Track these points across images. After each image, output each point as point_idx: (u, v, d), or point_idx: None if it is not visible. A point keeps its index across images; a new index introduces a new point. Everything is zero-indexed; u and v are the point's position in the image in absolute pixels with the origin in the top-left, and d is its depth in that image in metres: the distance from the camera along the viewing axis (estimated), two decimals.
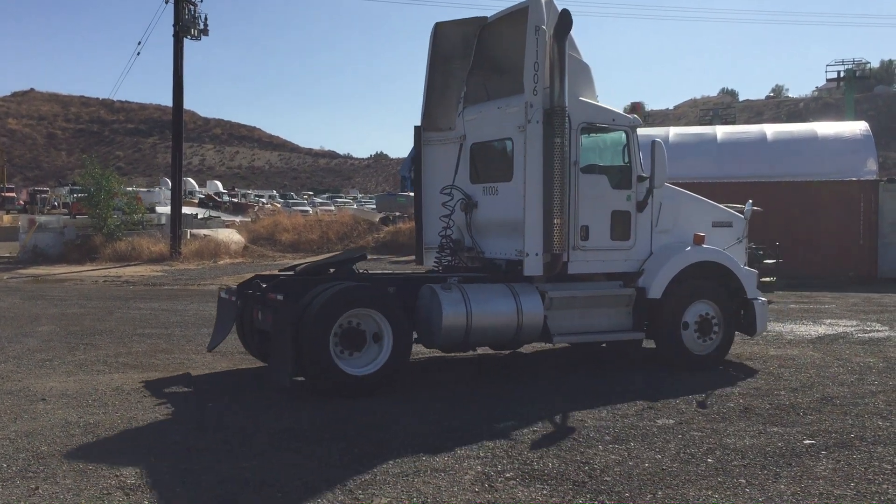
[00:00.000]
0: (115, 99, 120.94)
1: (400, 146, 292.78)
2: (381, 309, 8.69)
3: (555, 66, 9.40)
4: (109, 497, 5.59)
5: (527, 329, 9.38)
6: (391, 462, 6.37)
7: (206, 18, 34.47)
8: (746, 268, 10.86)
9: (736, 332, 10.65)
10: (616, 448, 6.77)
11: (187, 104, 34.83)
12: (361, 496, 5.65)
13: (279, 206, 57.39)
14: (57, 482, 5.88)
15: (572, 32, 9.69)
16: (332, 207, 59.61)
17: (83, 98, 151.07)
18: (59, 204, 59.59)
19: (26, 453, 6.56)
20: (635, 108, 78.43)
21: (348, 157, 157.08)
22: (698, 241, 10.38)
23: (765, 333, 11.85)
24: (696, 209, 10.92)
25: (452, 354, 10.53)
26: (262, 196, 79.68)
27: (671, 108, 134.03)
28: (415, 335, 9.17)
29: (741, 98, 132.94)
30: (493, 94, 10.64)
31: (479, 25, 10.74)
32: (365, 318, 8.62)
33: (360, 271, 9.74)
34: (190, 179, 74.54)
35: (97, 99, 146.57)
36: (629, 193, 10.17)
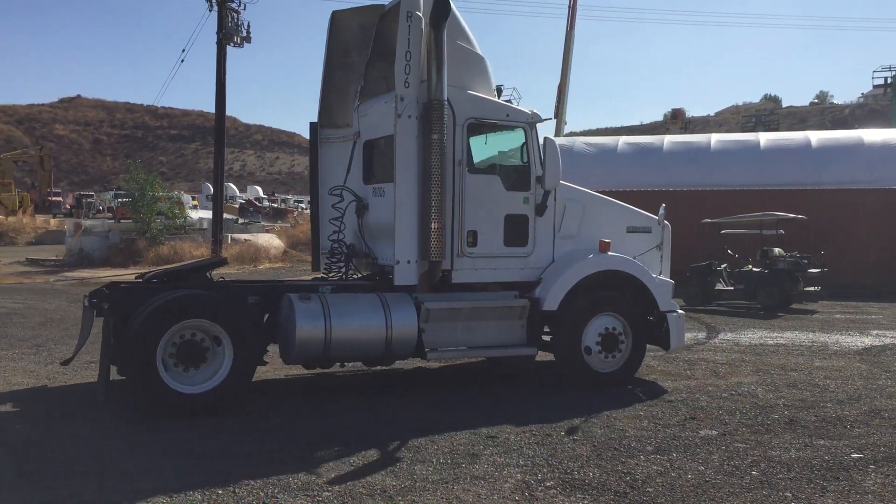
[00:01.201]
0: (159, 105, 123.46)
1: None
2: (218, 320, 7.91)
3: (432, 57, 8.65)
4: None
5: (398, 343, 8.62)
6: (430, 468, 6.37)
7: (248, 26, 34.90)
8: (661, 278, 10.00)
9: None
10: (658, 459, 6.69)
11: (229, 110, 35.25)
12: (401, 502, 5.65)
13: None
14: None
15: (464, 22, 9.16)
16: None
17: (128, 104, 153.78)
18: (103, 208, 60.76)
19: None
20: (676, 114, 77.64)
21: None
22: (604, 248, 9.56)
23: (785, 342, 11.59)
24: (609, 213, 10.14)
25: (487, 362, 10.50)
26: (301, 201, 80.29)
27: (712, 114, 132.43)
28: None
29: (784, 104, 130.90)
30: (392, 88, 9.31)
31: (377, 14, 9.79)
32: (205, 330, 7.91)
33: (219, 279, 9.04)
34: (231, 185, 75.43)
35: (142, 105, 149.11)
36: (526, 196, 9.36)
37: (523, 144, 9.40)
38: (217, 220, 31.16)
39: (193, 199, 58.23)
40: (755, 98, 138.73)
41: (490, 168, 9.70)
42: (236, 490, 5.82)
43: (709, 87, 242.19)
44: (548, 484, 6.06)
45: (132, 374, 7.67)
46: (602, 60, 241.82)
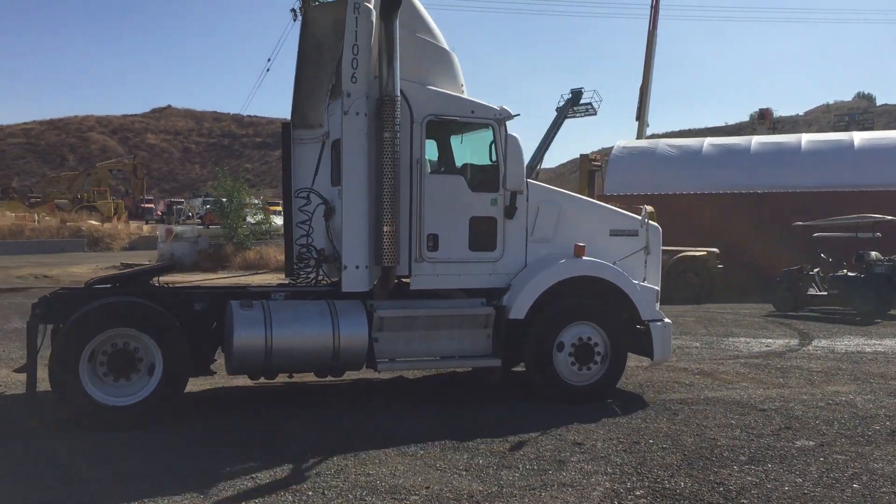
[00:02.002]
0: (244, 114, 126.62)
1: None
2: (143, 329, 7.64)
3: (383, 51, 8.23)
4: None
5: (346, 354, 8.19)
6: (517, 474, 6.33)
7: None
8: (645, 284, 9.33)
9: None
10: (752, 469, 6.47)
11: None
12: None
13: None
14: None
15: (426, 14, 8.76)
16: None
17: (215, 113, 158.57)
18: (193, 214, 62.74)
19: None
20: (763, 114, 75.46)
21: None
22: (579, 252, 8.93)
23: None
24: (590, 216, 9.56)
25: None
26: None
27: (801, 113, 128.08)
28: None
29: (879, 102, 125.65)
30: None
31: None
32: (136, 339, 7.68)
33: (165, 284, 8.77)
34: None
35: (228, 114, 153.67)
36: (495, 197, 8.79)
37: (491, 143, 8.84)
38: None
39: (277, 205, 59.51)
40: (847, 96, 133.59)
41: (454, 168, 9.22)
42: None
43: (797, 85, 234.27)
44: (637, 493, 5.94)
45: (54, 384, 7.48)
46: (685, 61, 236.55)
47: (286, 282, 9.60)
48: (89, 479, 6.21)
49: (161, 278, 8.92)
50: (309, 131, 9.46)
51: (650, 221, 9.76)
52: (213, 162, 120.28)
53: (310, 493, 5.86)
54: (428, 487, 6.01)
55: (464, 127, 9.05)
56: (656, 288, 9.44)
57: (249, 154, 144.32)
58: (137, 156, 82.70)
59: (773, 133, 59.08)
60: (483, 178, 8.84)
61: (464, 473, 6.37)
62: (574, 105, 44.56)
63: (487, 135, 8.86)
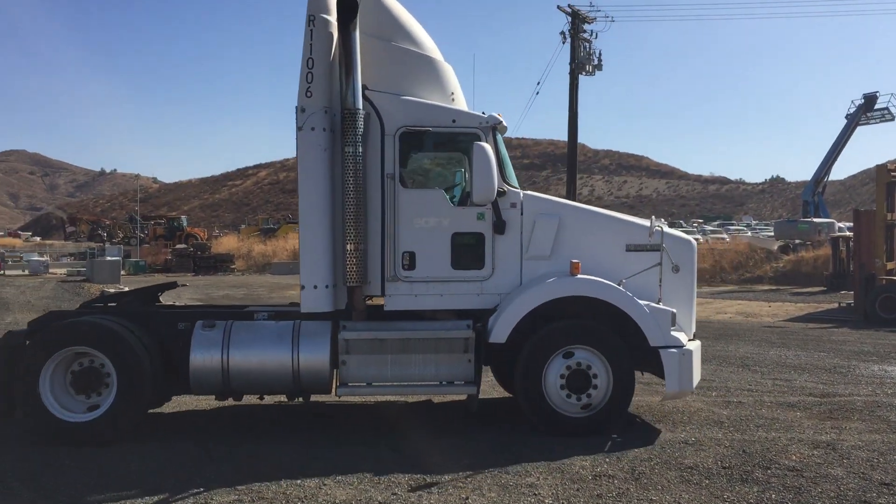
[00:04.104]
0: (512, 137, 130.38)
1: (799, 169, 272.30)
2: (98, 347, 7.85)
3: (341, 62, 7.92)
4: None
5: (306, 377, 7.98)
6: None
7: (600, 54, 35.80)
8: (656, 306, 8.13)
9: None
10: None
11: (578, 137, 36.14)
12: None
13: None
14: None
15: (411, 20, 8.29)
16: (725, 235, 57.35)
17: None
18: None
19: None
20: None
21: (740, 183, 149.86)
22: (575, 270, 8.09)
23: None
24: (599, 229, 8.60)
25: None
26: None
27: None
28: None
29: None
30: None
31: None
32: (99, 357, 7.92)
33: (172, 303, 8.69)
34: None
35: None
36: (482, 212, 8.22)
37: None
38: None
39: None
40: None
41: (432, 181, 8.79)
42: None
43: None
44: None
45: (19, 400, 7.88)
46: None
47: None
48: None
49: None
50: None
51: (681, 234, 8.94)
52: None
53: None
54: None
55: (451, 137, 8.54)
56: (670, 310, 8.22)
57: (518, 175, 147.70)
58: None
59: None
60: (468, 191, 8.35)
61: None
62: (867, 111, 40.90)
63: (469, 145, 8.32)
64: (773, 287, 32.28)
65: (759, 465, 7.27)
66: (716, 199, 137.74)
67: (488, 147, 8.05)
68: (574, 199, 34.12)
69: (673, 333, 8.16)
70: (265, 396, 8.91)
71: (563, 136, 34.22)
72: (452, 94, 8.71)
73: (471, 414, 8.84)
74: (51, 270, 44.22)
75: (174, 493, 6.53)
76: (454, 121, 8.37)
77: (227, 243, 60.32)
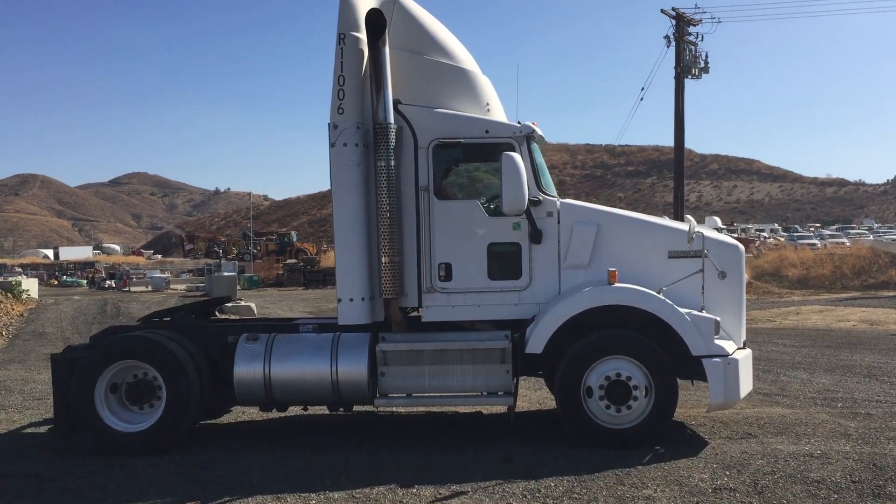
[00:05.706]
0: (616, 144, 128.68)
1: None
2: (148, 360, 8.16)
3: (371, 79, 8.11)
4: None
5: (345, 388, 8.11)
6: None
7: (706, 57, 34.99)
8: (698, 314, 7.85)
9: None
10: None
11: (685, 142, 35.28)
12: None
13: (782, 239, 54.71)
14: None
15: (444, 33, 8.31)
16: (845, 240, 54.83)
17: (588, 146, 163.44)
18: None
19: None
20: None
21: (860, 184, 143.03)
22: (612, 278, 7.92)
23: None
24: (642, 235, 8.41)
25: None
26: (762, 230, 76.64)
27: None
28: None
29: None
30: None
31: None
32: (150, 370, 8.25)
33: (231, 316, 8.78)
34: (689, 216, 75.15)
35: (600, 146, 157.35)
36: (517, 221, 8.13)
37: None
38: None
39: None
40: None
41: (467, 192, 8.85)
42: None
43: None
44: None
45: (74, 410, 8.21)
46: None
47: None
48: None
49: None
50: None
51: (727, 239, 8.67)
52: (587, 193, 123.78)
53: None
54: None
55: (484, 148, 8.46)
56: (713, 317, 7.95)
57: (622, 183, 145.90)
58: None
59: None
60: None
61: None
62: None
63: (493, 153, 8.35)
64: (894, 294, 30.62)
65: (891, 480, 6.92)
66: (833, 203, 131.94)
67: (517, 157, 8.02)
68: (682, 206, 33.30)
69: (717, 342, 7.94)
70: (308, 408, 9.14)
71: (667, 141, 33.53)
72: (488, 104, 8.76)
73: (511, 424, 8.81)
74: (172, 286, 46.36)
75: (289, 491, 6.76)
76: (487, 131, 8.41)
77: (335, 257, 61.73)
